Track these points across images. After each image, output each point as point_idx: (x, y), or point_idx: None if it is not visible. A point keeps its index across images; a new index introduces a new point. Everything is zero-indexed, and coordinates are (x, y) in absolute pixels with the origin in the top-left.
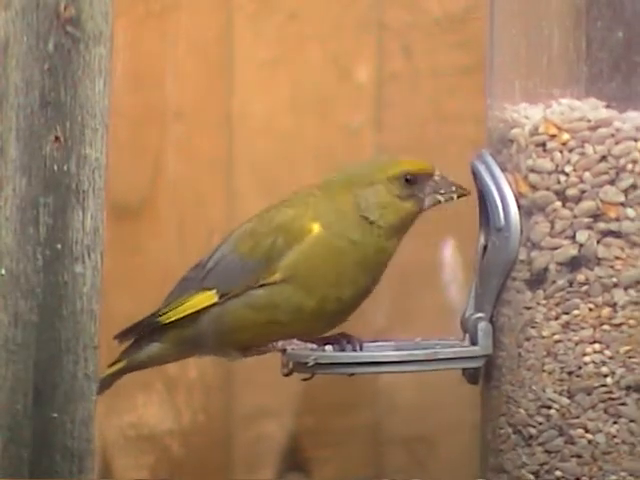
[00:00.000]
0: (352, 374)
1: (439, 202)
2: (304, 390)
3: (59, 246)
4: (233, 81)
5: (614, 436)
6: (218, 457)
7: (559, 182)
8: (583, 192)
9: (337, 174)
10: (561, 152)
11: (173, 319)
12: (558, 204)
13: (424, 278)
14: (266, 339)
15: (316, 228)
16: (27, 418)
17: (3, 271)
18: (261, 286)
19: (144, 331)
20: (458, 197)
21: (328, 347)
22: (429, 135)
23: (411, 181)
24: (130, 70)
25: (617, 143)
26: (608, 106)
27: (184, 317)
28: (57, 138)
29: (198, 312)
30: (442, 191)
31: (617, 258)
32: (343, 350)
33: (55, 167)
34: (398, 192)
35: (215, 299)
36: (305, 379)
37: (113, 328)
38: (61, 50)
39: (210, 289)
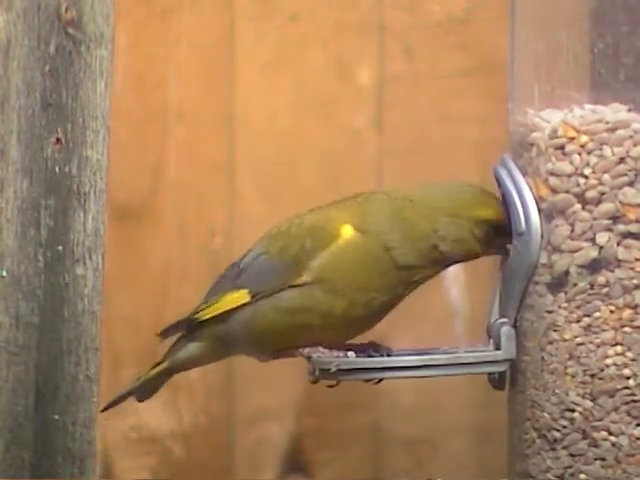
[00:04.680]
0: (379, 380)
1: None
2: (305, 392)
3: (60, 248)
4: (234, 83)
5: (637, 438)
6: (219, 459)
7: (578, 185)
8: (602, 194)
9: (420, 189)
10: (580, 155)
11: (209, 316)
12: (578, 207)
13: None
14: (295, 343)
15: (349, 232)
16: (28, 420)
17: (4, 273)
18: (289, 288)
19: (185, 328)
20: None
21: (350, 353)
22: (430, 136)
23: (495, 230)
24: (131, 72)
25: (635, 145)
26: (630, 110)
27: (218, 315)
28: (58, 140)
29: (231, 310)
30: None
31: (637, 260)
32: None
33: (56, 169)
34: (479, 235)
35: (247, 298)
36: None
37: (114, 330)
38: (62, 52)
39: (243, 288)
